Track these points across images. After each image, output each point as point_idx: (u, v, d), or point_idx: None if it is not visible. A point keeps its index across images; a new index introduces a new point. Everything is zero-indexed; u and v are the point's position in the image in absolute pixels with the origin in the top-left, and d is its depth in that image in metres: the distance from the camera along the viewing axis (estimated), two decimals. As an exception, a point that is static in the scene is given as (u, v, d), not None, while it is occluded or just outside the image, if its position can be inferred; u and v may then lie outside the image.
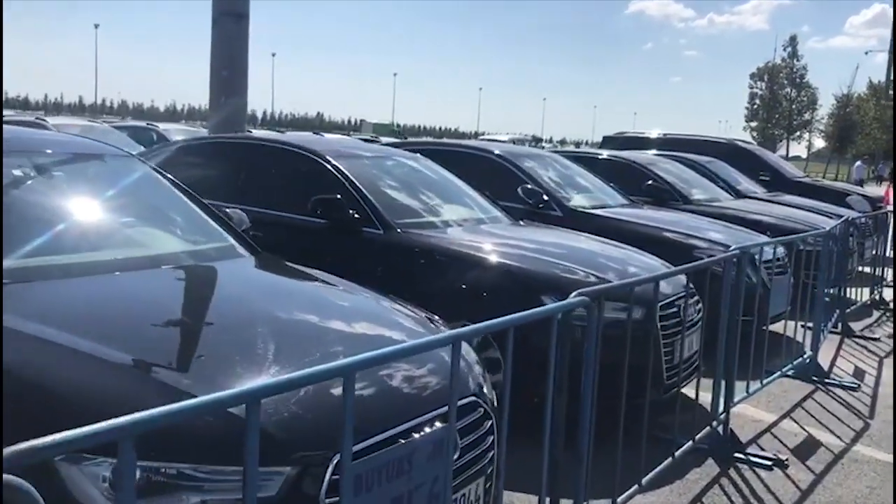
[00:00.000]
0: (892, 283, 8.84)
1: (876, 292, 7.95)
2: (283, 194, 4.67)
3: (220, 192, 4.82)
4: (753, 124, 50.90)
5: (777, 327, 5.10)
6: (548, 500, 2.41)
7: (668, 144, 12.41)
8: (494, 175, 6.65)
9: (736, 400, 4.05)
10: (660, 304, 3.95)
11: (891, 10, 48.96)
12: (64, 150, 3.35)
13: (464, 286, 4.00)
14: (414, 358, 2.13)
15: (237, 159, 5.03)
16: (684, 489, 3.40)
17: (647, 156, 9.46)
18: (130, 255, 2.82)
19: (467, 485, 2.14)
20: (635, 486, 3.01)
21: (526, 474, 2.57)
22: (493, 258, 4.10)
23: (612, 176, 7.99)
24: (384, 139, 20.69)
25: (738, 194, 9.75)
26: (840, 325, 6.58)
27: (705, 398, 3.88)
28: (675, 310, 4.04)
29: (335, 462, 1.73)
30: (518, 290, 3.90)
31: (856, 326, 6.79)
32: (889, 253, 8.84)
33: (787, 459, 3.77)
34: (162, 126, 16.24)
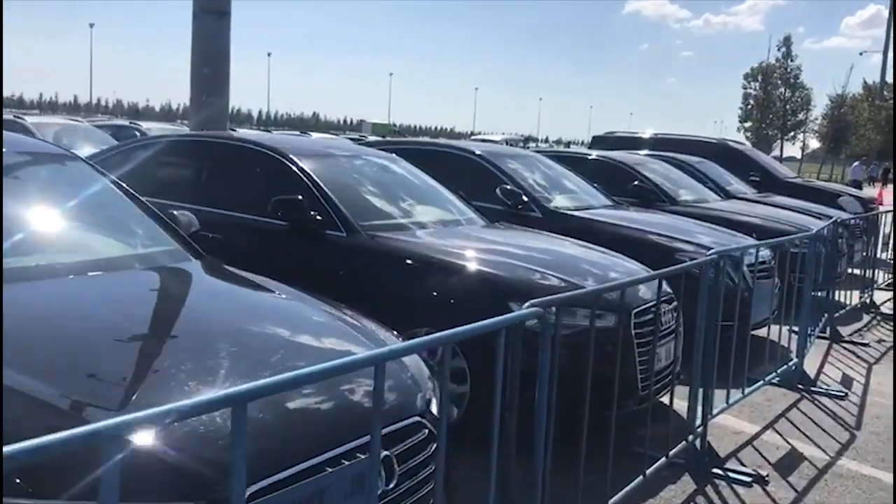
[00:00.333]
0: (885, 286, 8.69)
1: (866, 295, 7.77)
2: (245, 195, 4.47)
3: (179, 193, 4.63)
4: (747, 125, 50.74)
5: (763, 332, 4.92)
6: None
7: (659, 144, 12.24)
8: (475, 176, 6.47)
9: (715, 411, 3.87)
10: (635, 310, 3.78)
11: (886, 12, 48.93)
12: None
13: (430, 292, 3.80)
14: (345, 377, 1.93)
15: (198, 158, 4.83)
16: (657, 509, 3.21)
17: (634, 156, 9.28)
18: (57, 260, 2.62)
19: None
20: (602, 508, 2.82)
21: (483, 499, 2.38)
22: (462, 262, 3.90)
23: (599, 177, 7.81)
24: (371, 138, 20.45)
25: (728, 195, 9.58)
26: (828, 329, 6.40)
27: (684, 408, 3.68)
28: (651, 316, 3.85)
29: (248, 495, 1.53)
30: (486, 297, 3.70)
31: (844, 331, 6.60)
32: (881, 255, 8.69)
33: (767, 475, 3.58)
34: (145, 125, 16.02)
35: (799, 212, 8.68)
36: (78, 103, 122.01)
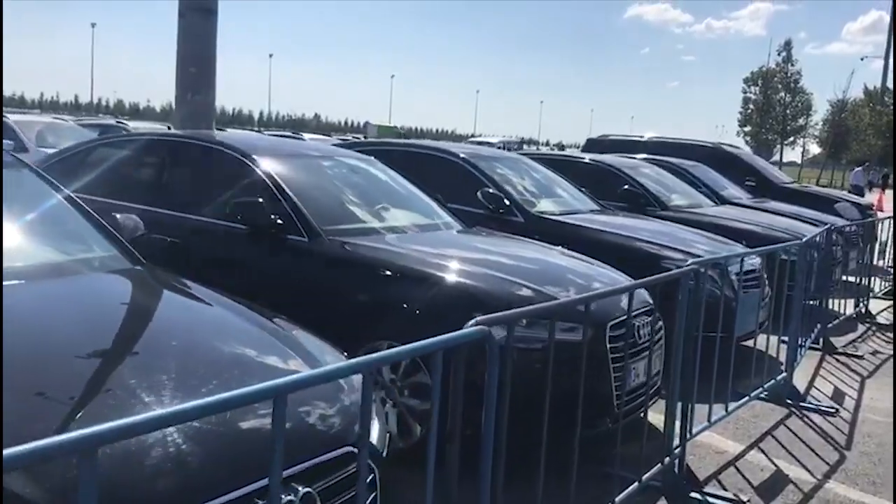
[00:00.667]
0: (882, 295, 8.47)
1: (861, 304, 7.54)
2: (205, 196, 4.26)
3: (138, 194, 4.43)
4: (747, 129, 50.47)
5: (753, 343, 4.69)
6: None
7: (654, 148, 12.05)
8: (457, 179, 6.28)
9: (695, 431, 3.65)
10: (611, 322, 3.56)
11: (888, 17, 48.73)
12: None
13: (394, 302, 3.59)
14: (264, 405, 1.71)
15: (159, 158, 4.61)
16: (628, 537, 2.99)
17: (626, 160, 9.06)
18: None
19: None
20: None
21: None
22: (429, 270, 3.67)
23: (589, 181, 7.61)
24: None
25: (722, 200, 9.38)
26: (821, 340, 6.18)
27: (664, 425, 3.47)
28: (629, 329, 3.63)
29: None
30: (452, 308, 3.47)
31: (838, 342, 6.38)
32: (878, 262, 8.46)
33: (748, 500, 3.36)
34: (132, 124, 15.83)
35: (794, 218, 8.47)
36: (79, 103, 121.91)
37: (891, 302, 8.37)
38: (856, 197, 14.15)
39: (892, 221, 8.64)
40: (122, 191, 4.44)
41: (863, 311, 7.55)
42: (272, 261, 3.88)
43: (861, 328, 7.16)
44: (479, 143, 36.08)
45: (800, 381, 5.07)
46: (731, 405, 4.08)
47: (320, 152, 5.04)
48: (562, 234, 5.65)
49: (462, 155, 6.53)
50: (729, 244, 6.12)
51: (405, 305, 3.54)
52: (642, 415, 3.41)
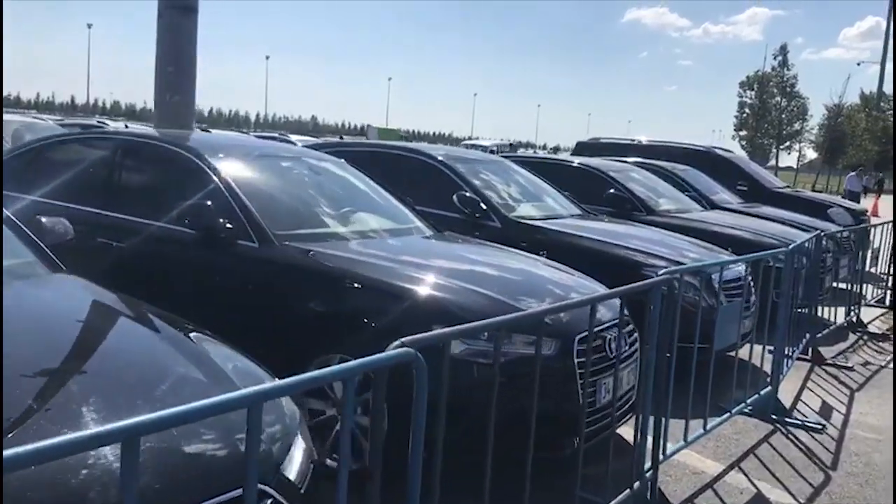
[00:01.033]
0: (875, 303, 8.25)
1: (853, 313, 7.31)
2: (154, 199, 4.02)
3: (85, 195, 4.19)
4: (742, 133, 50.29)
5: (742, 354, 4.46)
6: None
7: (645, 151, 11.85)
8: (434, 181, 6.06)
9: (670, 451, 3.42)
10: (578, 336, 3.32)
11: (884, 23, 48.62)
12: None
13: (346, 312, 3.35)
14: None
15: (110, 158, 4.36)
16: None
17: (615, 164, 8.84)
18: None
19: None
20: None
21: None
22: (384, 278, 3.42)
23: (575, 185, 7.38)
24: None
25: (712, 205, 9.16)
26: (810, 350, 5.95)
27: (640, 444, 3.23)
28: (599, 342, 3.40)
29: None
30: (408, 319, 3.23)
31: (828, 352, 6.14)
32: (870, 269, 8.24)
33: (724, 528, 3.13)
34: (113, 124, 15.57)
35: (785, 223, 8.25)
36: (75, 104, 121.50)
37: (883, 310, 8.15)
38: (850, 202, 13.93)
39: (891, 227, 8.41)
40: (69, 192, 4.21)
41: (854, 319, 7.32)
42: (220, 268, 3.64)
43: (852, 337, 6.93)
44: (471, 146, 35.84)
45: (786, 394, 4.84)
46: (711, 422, 3.85)
47: (284, 153, 4.80)
48: (541, 240, 5.43)
49: (439, 157, 6.30)
50: (715, 251, 5.90)
51: (359, 316, 3.30)
52: (625, 433, 3.17)
